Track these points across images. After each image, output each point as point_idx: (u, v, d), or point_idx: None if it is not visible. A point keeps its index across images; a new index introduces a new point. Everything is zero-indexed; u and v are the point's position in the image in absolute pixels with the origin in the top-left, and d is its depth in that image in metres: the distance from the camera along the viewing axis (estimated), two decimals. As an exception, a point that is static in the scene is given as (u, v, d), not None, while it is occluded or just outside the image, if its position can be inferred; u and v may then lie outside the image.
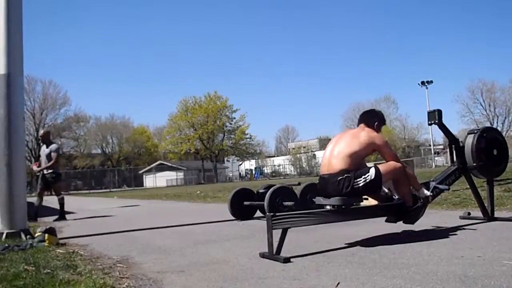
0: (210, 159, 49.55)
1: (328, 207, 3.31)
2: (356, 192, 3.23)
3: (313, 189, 5.52)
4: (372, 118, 3.69)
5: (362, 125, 3.63)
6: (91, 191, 37.69)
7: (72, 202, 16.18)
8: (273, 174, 53.44)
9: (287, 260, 2.72)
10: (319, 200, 3.47)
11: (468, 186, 4.22)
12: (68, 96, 47.77)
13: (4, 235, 4.21)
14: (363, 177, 3.22)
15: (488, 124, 44.43)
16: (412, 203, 3.40)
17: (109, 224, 6.38)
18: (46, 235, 3.91)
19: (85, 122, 52.01)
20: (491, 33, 77.27)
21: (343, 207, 3.26)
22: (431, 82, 42.52)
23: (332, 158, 3.36)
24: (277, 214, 2.94)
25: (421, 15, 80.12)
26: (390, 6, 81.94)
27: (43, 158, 7.47)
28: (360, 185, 3.20)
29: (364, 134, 3.40)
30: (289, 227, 2.93)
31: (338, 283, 2.16)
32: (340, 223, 3.80)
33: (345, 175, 3.22)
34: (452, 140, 4.08)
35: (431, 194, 3.55)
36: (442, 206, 5.50)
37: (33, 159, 42.67)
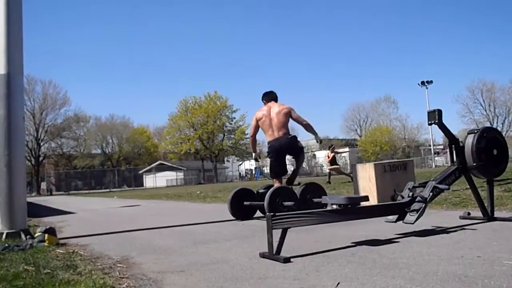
0: (210, 159, 49.52)
1: (334, 206, 3.29)
2: None
3: (313, 189, 5.53)
4: None
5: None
6: (91, 191, 37.74)
7: (72, 202, 16.21)
8: (273, 174, 53.25)
9: (287, 260, 2.72)
10: (325, 199, 3.49)
11: (468, 186, 4.22)
12: (68, 96, 47.73)
13: (4, 235, 4.21)
14: None
15: (488, 124, 44.43)
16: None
17: (109, 224, 6.39)
18: (46, 235, 3.90)
19: (85, 122, 52.01)
20: (491, 33, 77.36)
21: (349, 206, 3.24)
22: (431, 82, 42.57)
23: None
24: (277, 214, 2.93)
25: (421, 15, 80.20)
26: (390, 6, 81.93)
27: None
28: None
29: None
30: (289, 227, 2.93)
31: (338, 283, 2.16)
32: (340, 223, 3.80)
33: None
34: (452, 140, 4.08)
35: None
36: (442, 206, 5.50)
37: (33, 159, 42.64)
